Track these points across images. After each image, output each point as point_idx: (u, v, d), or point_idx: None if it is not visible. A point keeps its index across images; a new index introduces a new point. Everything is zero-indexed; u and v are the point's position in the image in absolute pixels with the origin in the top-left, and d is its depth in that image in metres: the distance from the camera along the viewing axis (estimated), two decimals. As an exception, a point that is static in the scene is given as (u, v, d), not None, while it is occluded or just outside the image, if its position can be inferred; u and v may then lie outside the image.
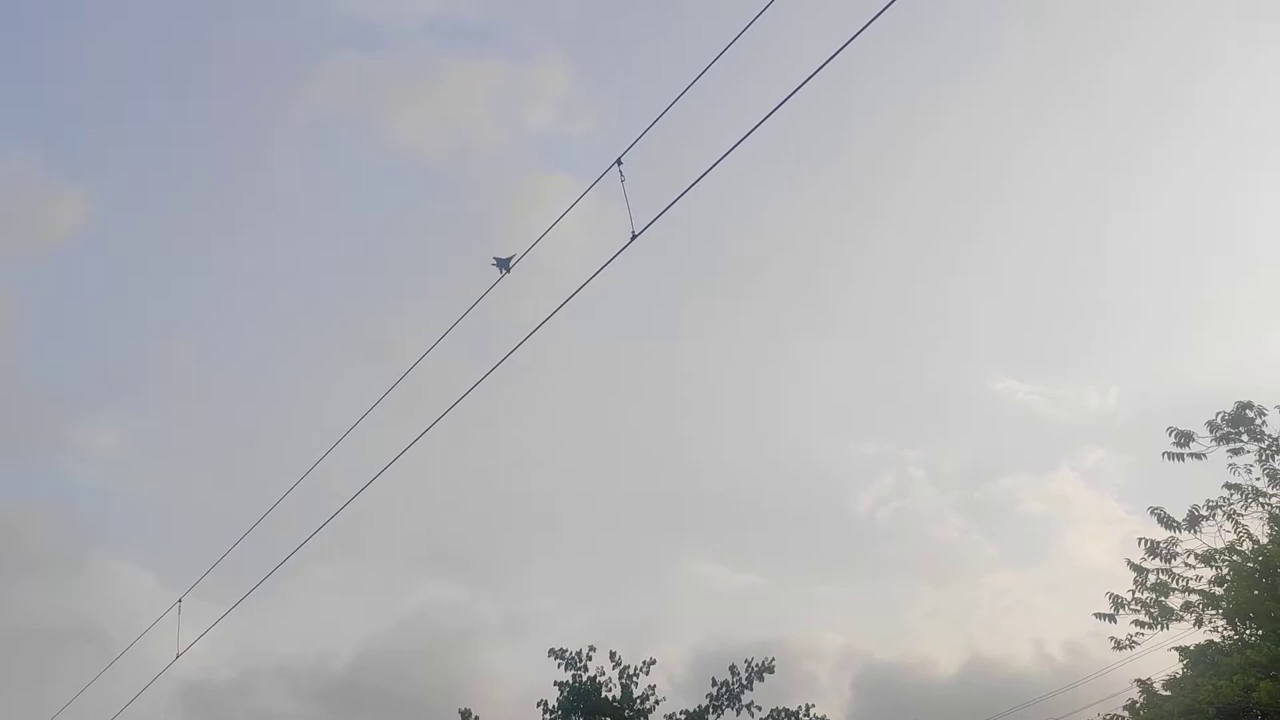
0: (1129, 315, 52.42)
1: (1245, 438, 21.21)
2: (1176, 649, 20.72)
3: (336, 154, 61.95)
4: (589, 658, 18.74)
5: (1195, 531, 20.80)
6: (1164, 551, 20.95)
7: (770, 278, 59.67)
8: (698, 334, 59.39)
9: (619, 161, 10.90)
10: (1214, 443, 21.37)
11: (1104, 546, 46.66)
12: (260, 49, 61.01)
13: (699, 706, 18.56)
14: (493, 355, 12.07)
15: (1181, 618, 20.43)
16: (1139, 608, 20.88)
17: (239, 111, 62.78)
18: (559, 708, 18.39)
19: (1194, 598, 20.16)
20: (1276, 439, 20.87)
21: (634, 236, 10.79)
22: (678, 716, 18.53)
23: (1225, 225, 52.76)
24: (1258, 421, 21.16)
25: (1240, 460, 21.09)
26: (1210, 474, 21.22)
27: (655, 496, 52.64)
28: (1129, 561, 21.21)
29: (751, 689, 18.45)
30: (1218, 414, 21.33)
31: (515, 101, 61.15)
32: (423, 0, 60.72)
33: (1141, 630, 20.86)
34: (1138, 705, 20.68)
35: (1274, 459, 20.85)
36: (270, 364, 60.50)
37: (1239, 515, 20.50)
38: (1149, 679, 20.92)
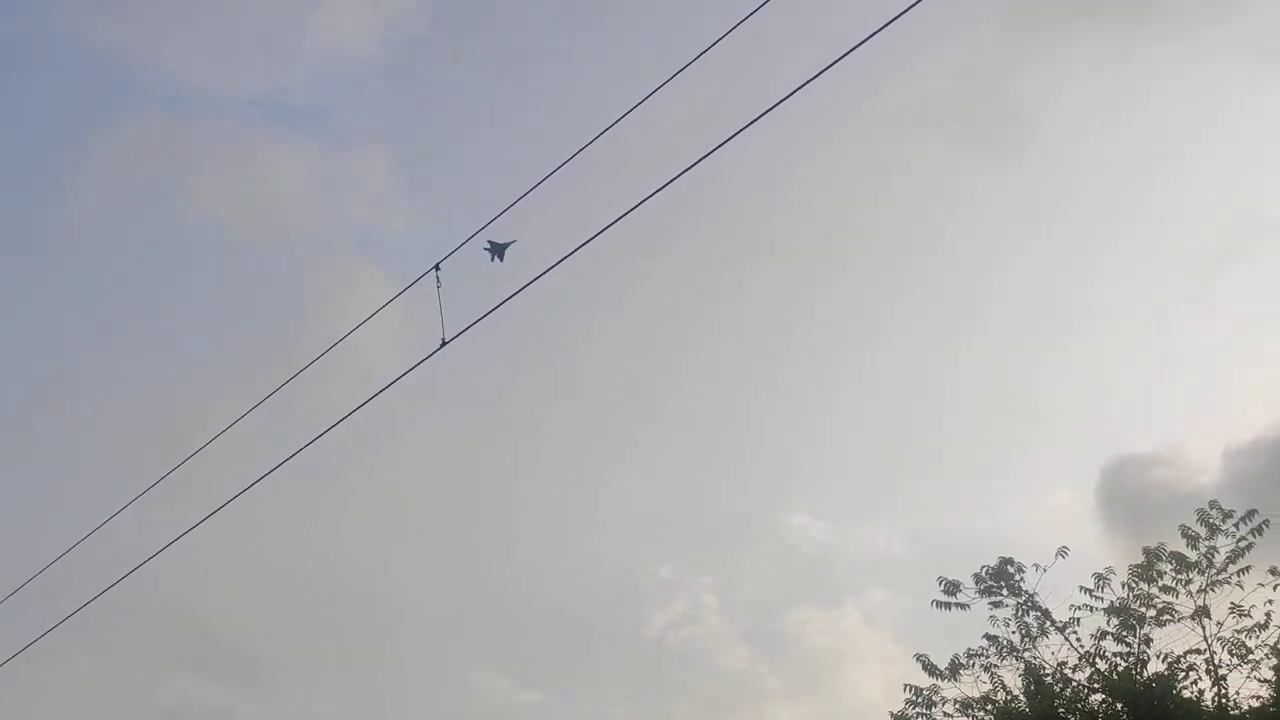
0: (923, 462, 55.26)
1: (1005, 592, 22.45)
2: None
3: (128, 213, 58.45)
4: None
5: (955, 680, 21.72)
6: (924, 699, 21.77)
7: (587, 393, 60.07)
8: (511, 443, 58.75)
9: (437, 267, 10.76)
10: (977, 594, 22.51)
11: (881, 684, 48.20)
12: (59, 95, 57.32)
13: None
14: (295, 442, 11.54)
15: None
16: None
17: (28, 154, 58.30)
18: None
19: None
20: (1032, 595, 22.19)
21: (443, 344, 10.61)
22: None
23: (1017, 386, 56.73)
24: (1017, 577, 22.46)
25: (1000, 613, 22.27)
26: (976, 623, 22.35)
27: (454, 601, 50.91)
28: (890, 713, 21.94)
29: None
30: (982, 567, 22.56)
31: (333, 188, 59.99)
32: (251, 73, 59.06)
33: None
34: None
35: (1028, 615, 22.12)
36: (43, 435, 55.26)
37: (995, 667, 21.59)
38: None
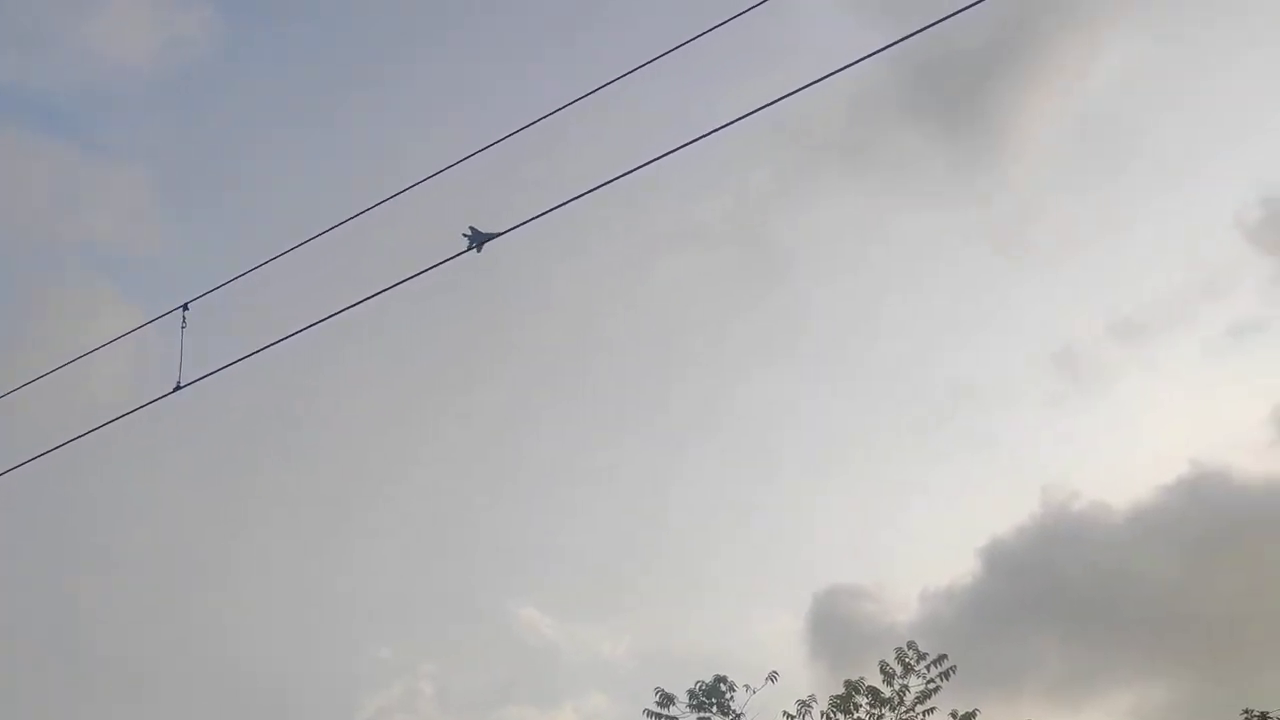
0: (652, 571, 56.48)
1: (715, 709, 23.14)
2: None
3: None
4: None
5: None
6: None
7: (323, 463, 58.30)
8: (240, 502, 55.77)
9: (185, 306, 10.42)
10: (689, 709, 23.09)
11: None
12: None
13: None
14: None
15: None
16: None
17: None
18: None
19: None
20: (739, 716, 22.97)
21: (177, 388, 10.21)
22: None
23: (748, 504, 59.30)
24: (728, 695, 23.21)
25: (709, 730, 22.91)
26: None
27: (160, 663, 47.07)
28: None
29: None
30: (697, 683, 23.21)
31: (83, 200, 56.39)
32: (7, 60, 55.03)
33: None
34: None
35: (734, 733, 22.87)
36: None
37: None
38: None
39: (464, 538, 57.63)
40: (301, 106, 61.13)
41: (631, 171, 8.43)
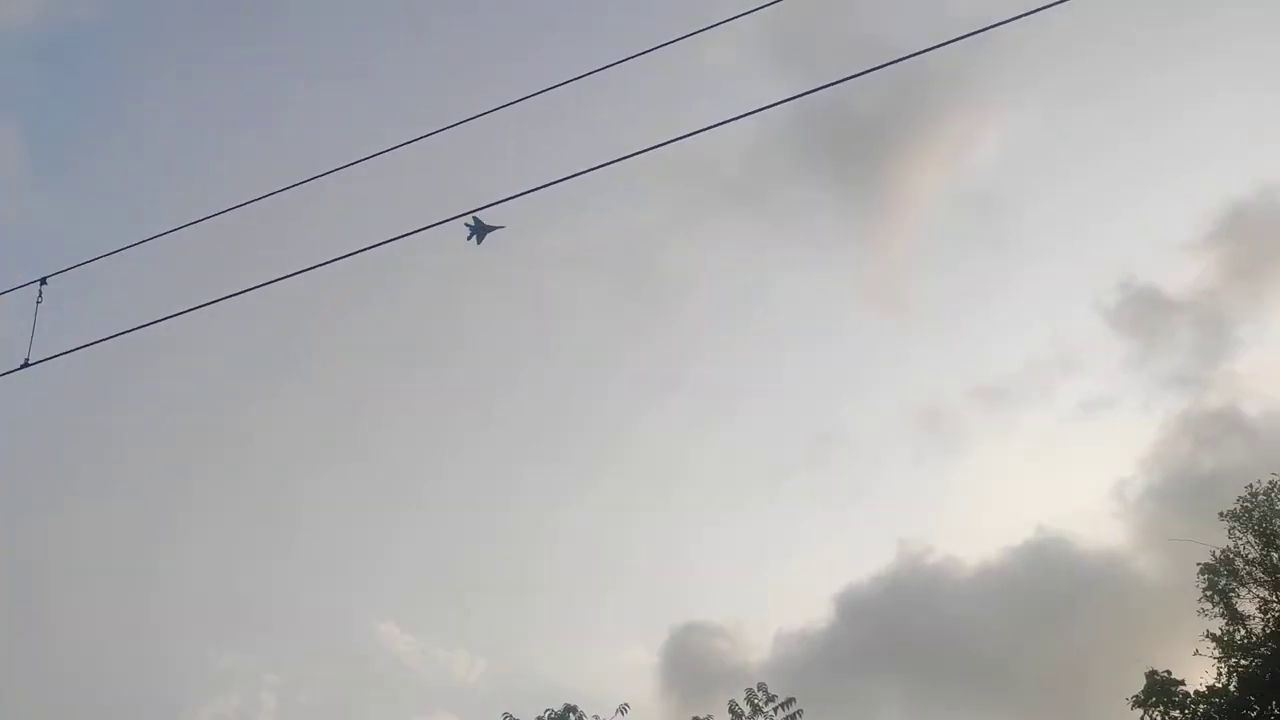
0: (516, 597, 55.98)
1: (562, 737, 23.02)
2: None
3: None
4: None
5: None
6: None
7: (164, 462, 56.29)
8: (78, 495, 53.23)
9: (43, 281, 9.99)
10: (537, 735, 22.91)
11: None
12: None
13: None
14: None
15: None
16: None
17: None
18: None
19: None
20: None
21: (25, 365, 9.75)
22: None
23: (619, 539, 59.29)
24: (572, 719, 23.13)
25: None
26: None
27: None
28: None
29: None
30: (547, 710, 23.04)
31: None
32: None
33: None
34: None
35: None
36: None
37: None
38: None
39: (324, 546, 56.20)
40: (186, 74, 59.22)
41: (527, 193, 8.49)
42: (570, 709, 23.24)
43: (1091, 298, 59.08)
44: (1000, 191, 59.23)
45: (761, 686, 23.67)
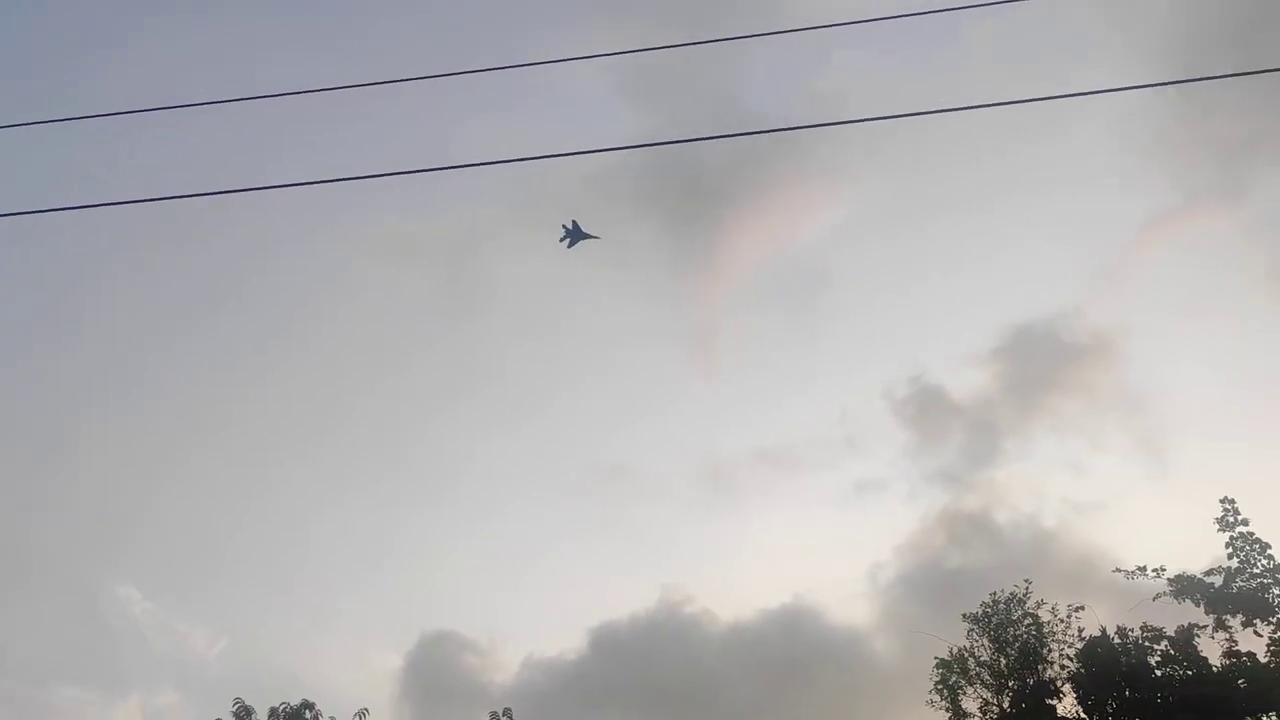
0: (272, 583, 53.67)
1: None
2: None
3: None
4: None
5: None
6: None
7: None
8: None
9: None
10: (268, 727, 22.02)
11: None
12: None
13: None
14: None
15: None
16: None
17: None
18: None
19: None
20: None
21: None
22: None
23: (393, 535, 57.89)
24: (307, 717, 22.34)
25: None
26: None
27: None
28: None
29: None
30: (282, 703, 22.14)
31: None
32: None
33: None
34: None
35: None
36: None
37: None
38: None
39: (82, 498, 52.41)
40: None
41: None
42: (307, 705, 22.45)
43: (883, 386, 62.30)
44: (823, 267, 61.65)
45: (507, 712, 23.56)
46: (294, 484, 57.60)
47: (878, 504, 54.07)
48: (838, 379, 64.21)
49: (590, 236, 10.56)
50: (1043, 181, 58.86)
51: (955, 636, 25.04)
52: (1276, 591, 20.35)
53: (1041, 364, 50.89)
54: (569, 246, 10.50)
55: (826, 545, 54.10)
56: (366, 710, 22.57)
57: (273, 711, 22.57)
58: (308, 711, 22.59)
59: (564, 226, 10.13)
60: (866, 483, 56.69)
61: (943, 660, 24.80)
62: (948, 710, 24.40)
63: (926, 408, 50.69)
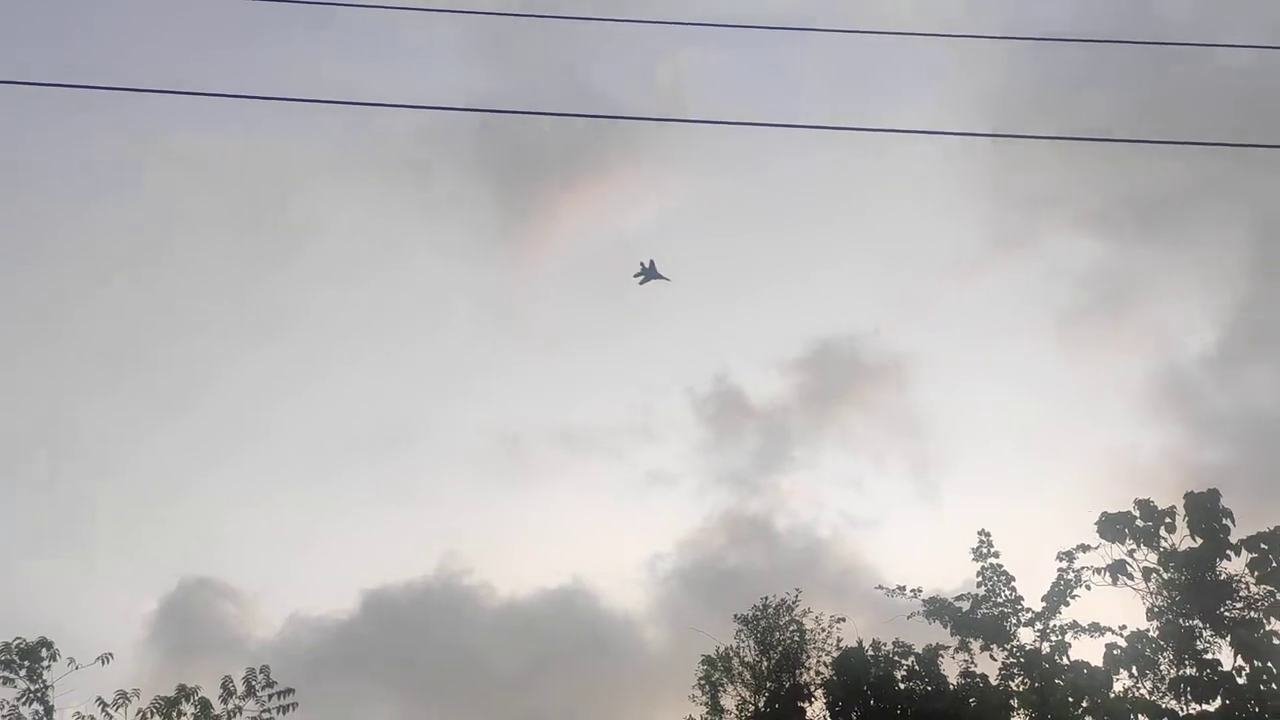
0: (24, 513, 50.00)
1: (24, 672, 20.93)
2: None
3: None
4: None
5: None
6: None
7: None
8: None
9: None
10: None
11: None
12: None
13: None
14: None
15: None
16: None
17: None
18: None
19: None
20: (47, 687, 20.85)
21: None
22: None
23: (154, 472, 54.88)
24: (46, 662, 21.09)
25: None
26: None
27: None
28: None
29: None
30: (16, 639, 20.84)
31: None
32: None
33: None
34: None
35: (31, 704, 20.71)
36: None
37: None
38: None
39: None
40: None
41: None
42: (45, 644, 20.96)
43: (686, 382, 63.54)
44: (643, 256, 62.30)
45: (264, 669, 22.72)
46: (60, 411, 53.75)
47: (666, 496, 55.14)
48: (643, 369, 64.91)
49: (663, 278, 10.77)
50: (863, 205, 61.36)
51: (723, 634, 25.90)
52: (1014, 620, 21.97)
53: (837, 379, 53.16)
54: (641, 284, 10.65)
55: (611, 531, 54.71)
56: (111, 655, 21.29)
57: (5, 645, 21.01)
58: (44, 650, 21.10)
59: (641, 264, 10.29)
60: (658, 474, 57.69)
61: (708, 658, 25.61)
62: (706, 705, 25.23)
63: (725, 408, 52.09)
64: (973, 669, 22.44)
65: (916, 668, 22.87)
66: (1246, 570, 19.86)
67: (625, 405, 64.88)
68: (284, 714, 22.24)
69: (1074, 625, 21.28)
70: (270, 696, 22.39)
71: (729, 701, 25.19)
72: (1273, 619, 19.36)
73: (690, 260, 62.69)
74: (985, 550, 22.62)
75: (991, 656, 22.09)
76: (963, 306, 60.11)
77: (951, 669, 22.77)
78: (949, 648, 22.76)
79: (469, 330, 61.59)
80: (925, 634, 23.01)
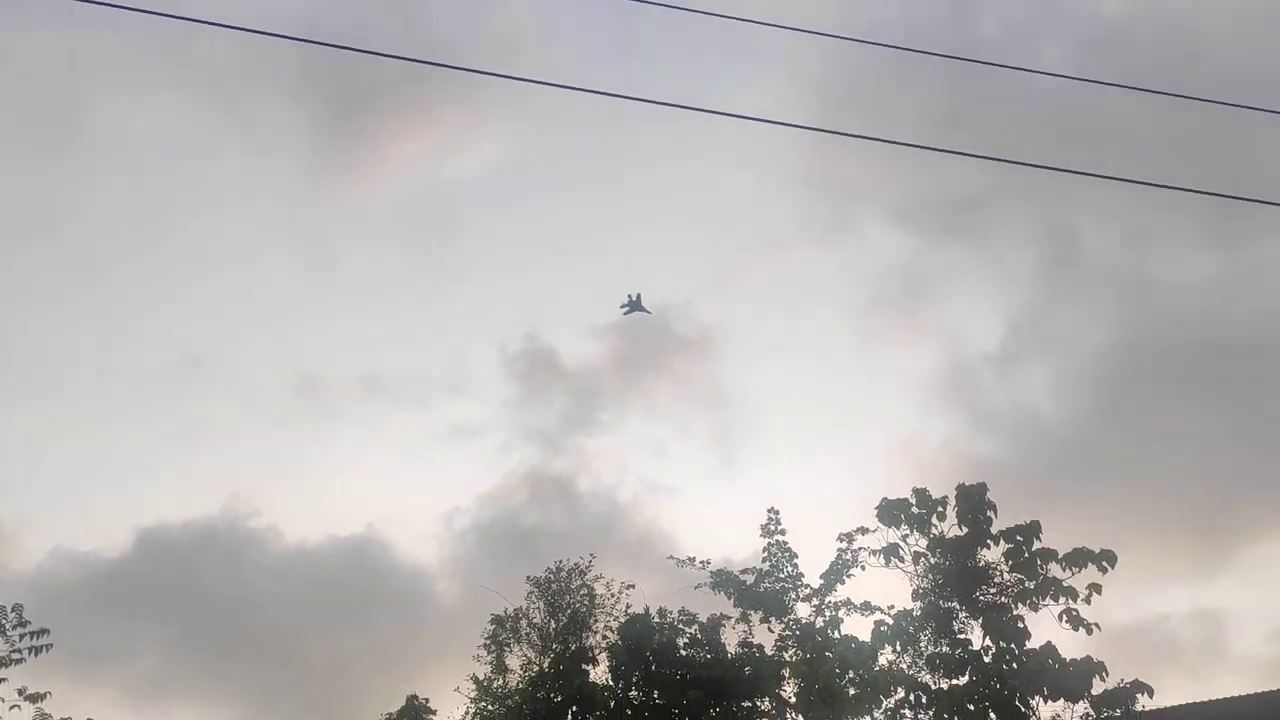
0: None
1: None
2: None
3: None
4: None
5: None
6: None
7: None
8: None
9: None
10: None
11: None
12: None
13: None
14: None
15: None
16: None
17: None
18: None
19: None
20: None
21: None
22: None
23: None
24: None
25: None
26: None
27: None
28: None
29: None
30: None
31: None
32: None
33: None
34: None
35: None
36: None
37: None
38: None
39: None
40: None
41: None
42: None
43: (499, 337, 63.13)
44: (464, 206, 61.37)
45: (17, 608, 21.24)
46: None
47: (469, 451, 54.81)
48: (455, 320, 64.09)
49: (646, 312, 10.87)
50: (689, 178, 62.38)
51: (516, 593, 26.01)
52: (793, 595, 23.01)
53: (649, 347, 54.09)
54: (625, 314, 10.69)
55: (410, 482, 54.06)
56: None
57: None
58: None
59: (628, 296, 10.28)
60: (462, 428, 57.28)
61: (498, 617, 25.65)
62: (491, 665, 25.29)
63: (535, 366, 52.16)
64: (751, 639, 23.37)
65: (699, 636, 23.61)
66: (1002, 559, 21.43)
67: (434, 356, 63.89)
68: (35, 655, 20.85)
69: (847, 603, 22.48)
70: (21, 637, 20.94)
71: (514, 661, 25.36)
72: (1020, 604, 20.96)
73: (512, 216, 62.05)
74: (773, 528, 23.56)
75: (770, 629, 23.08)
76: (771, 286, 62.18)
77: (731, 638, 23.66)
78: (731, 618, 23.62)
79: (275, 265, 59.10)
80: (710, 604, 23.82)
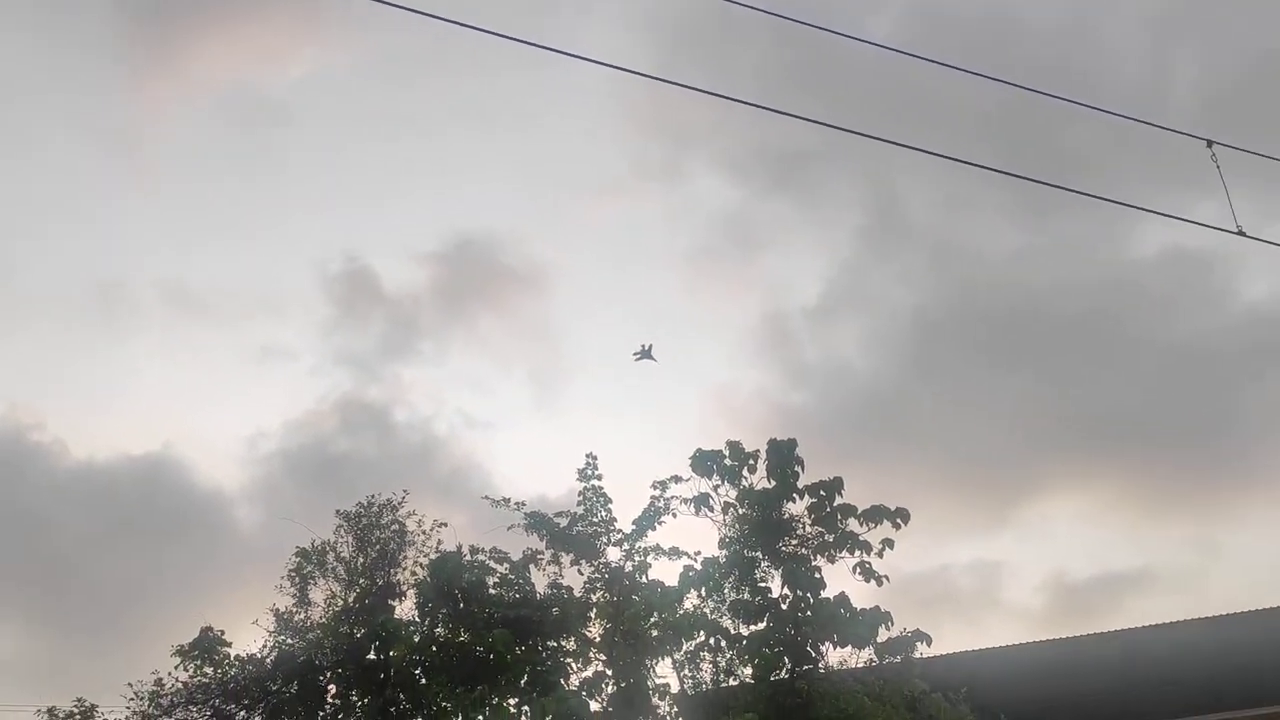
0: None
1: None
2: None
3: None
4: None
5: None
6: None
7: None
8: None
9: None
10: None
11: None
12: None
13: None
14: None
15: None
16: None
17: None
18: None
19: None
20: None
21: None
22: None
23: None
24: None
25: None
26: None
27: None
28: None
29: None
30: None
31: None
32: None
33: None
34: None
35: None
36: None
37: None
38: None
39: None
40: None
41: None
42: None
43: (317, 256, 60.75)
44: (288, 113, 57.70)
45: None
46: None
47: (278, 372, 52.75)
48: (271, 235, 60.89)
49: (652, 359, 11.03)
50: (528, 111, 61.01)
51: (324, 524, 25.38)
52: (605, 540, 23.40)
53: (475, 278, 53.28)
54: (636, 360, 10.92)
55: (214, 402, 51.62)
56: None
57: None
58: None
59: (641, 345, 10.54)
60: (272, 348, 54.85)
61: (303, 550, 24.96)
62: (294, 598, 24.65)
63: (354, 289, 50.58)
64: (560, 581, 23.68)
65: (510, 576, 23.71)
66: (806, 513, 22.41)
67: (245, 270, 60.66)
68: None
69: (657, 548, 23.04)
70: None
71: (318, 595, 24.81)
72: (819, 556, 22.03)
73: (337, 130, 59.34)
74: (590, 473, 23.79)
75: (580, 571, 23.42)
76: (602, 227, 61.98)
77: (541, 580, 23.88)
78: (542, 557, 23.78)
79: (70, 158, 54.51)
80: (523, 544, 23.92)
